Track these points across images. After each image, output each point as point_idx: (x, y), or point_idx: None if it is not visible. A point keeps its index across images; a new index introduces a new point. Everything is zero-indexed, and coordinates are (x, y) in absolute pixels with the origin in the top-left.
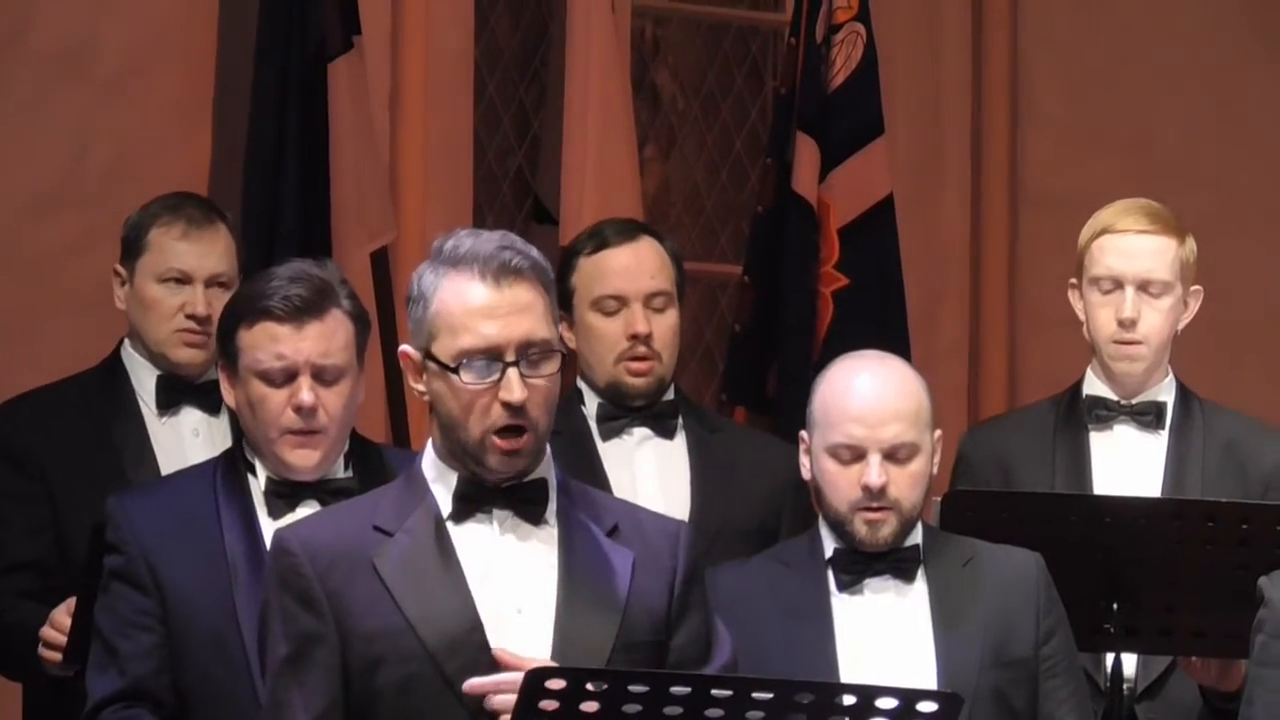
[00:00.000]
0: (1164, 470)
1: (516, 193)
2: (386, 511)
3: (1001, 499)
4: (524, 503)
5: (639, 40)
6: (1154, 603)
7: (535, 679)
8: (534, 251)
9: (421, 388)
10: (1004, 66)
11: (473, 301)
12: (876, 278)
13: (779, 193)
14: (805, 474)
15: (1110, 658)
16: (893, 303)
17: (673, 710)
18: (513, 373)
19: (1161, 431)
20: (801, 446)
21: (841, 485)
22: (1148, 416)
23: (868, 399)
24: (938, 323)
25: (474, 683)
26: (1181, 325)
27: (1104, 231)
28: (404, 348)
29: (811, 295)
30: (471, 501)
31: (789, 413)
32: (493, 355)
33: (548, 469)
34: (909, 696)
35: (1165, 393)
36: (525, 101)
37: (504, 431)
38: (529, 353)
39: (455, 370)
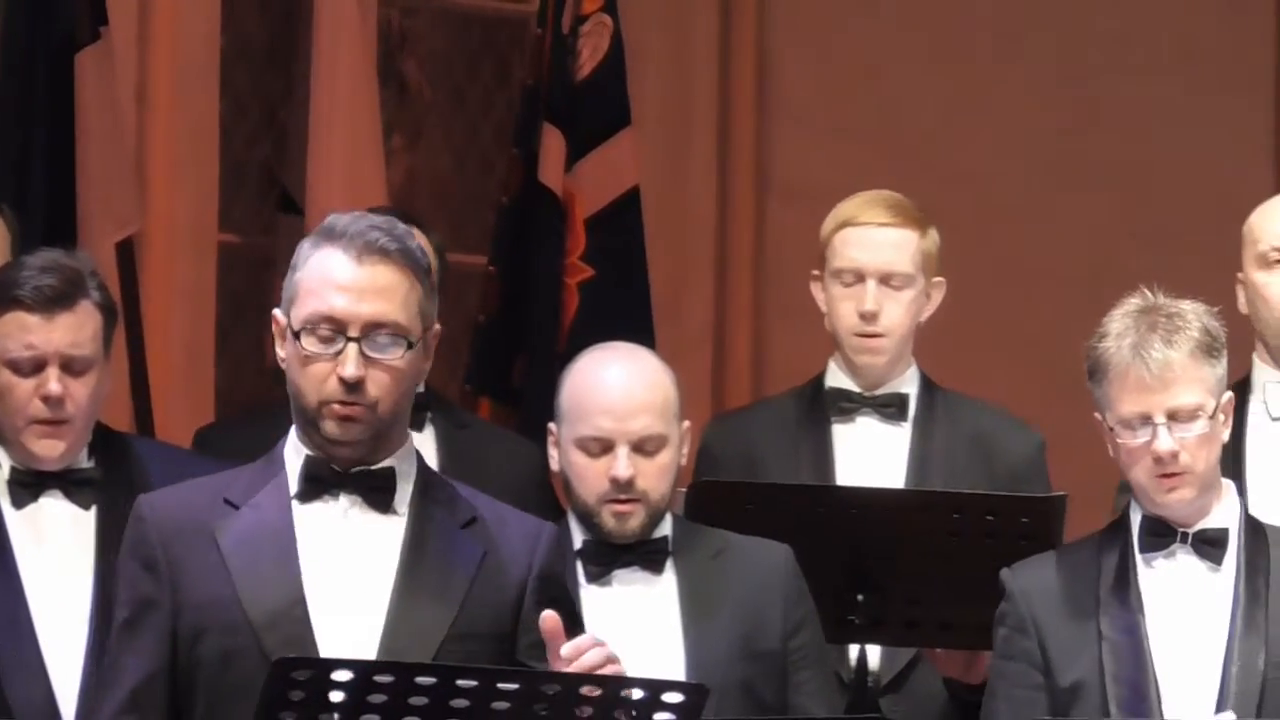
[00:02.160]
0: (907, 463)
1: (263, 183)
2: (240, 486)
3: (748, 490)
4: (371, 489)
5: (386, 30)
6: (901, 595)
7: (281, 667)
8: (412, 241)
9: (282, 354)
10: (751, 57)
11: (331, 273)
12: (622, 269)
13: (525, 183)
14: (554, 466)
15: (854, 650)
16: (638, 294)
17: (417, 700)
18: (351, 348)
19: (905, 423)
20: (549, 439)
21: (590, 477)
22: (891, 408)
23: (616, 392)
24: (683, 314)
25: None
26: (924, 317)
27: (846, 224)
28: (275, 311)
29: (557, 286)
30: (319, 483)
31: (534, 403)
32: (337, 327)
33: (405, 459)
34: (655, 687)
35: (908, 384)
36: (272, 91)
37: (336, 405)
38: (376, 334)
39: (298, 335)
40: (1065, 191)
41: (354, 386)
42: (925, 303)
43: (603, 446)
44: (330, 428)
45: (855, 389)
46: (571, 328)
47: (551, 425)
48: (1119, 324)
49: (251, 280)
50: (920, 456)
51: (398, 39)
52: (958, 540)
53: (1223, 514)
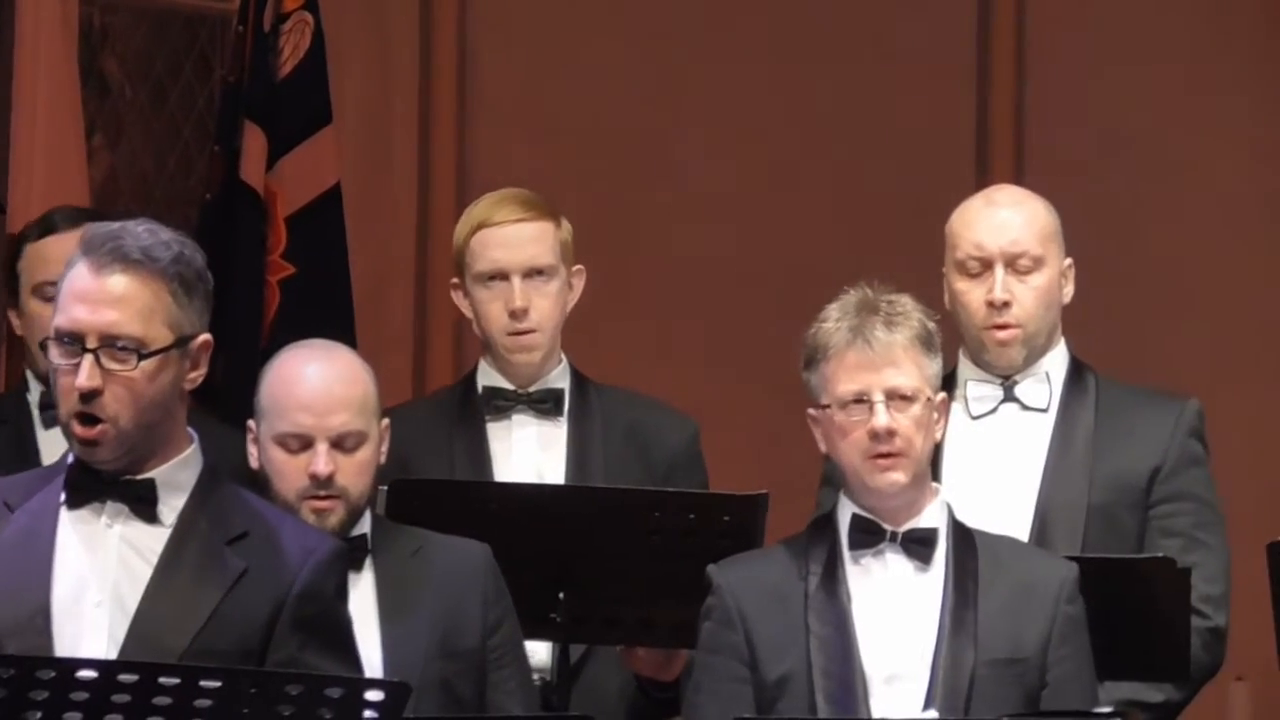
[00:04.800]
0: (565, 458)
1: None
2: (20, 488)
3: (448, 488)
4: (134, 499)
5: (87, 28)
6: (601, 592)
7: None
8: (168, 250)
9: None
10: (452, 55)
11: (72, 283)
12: (323, 266)
13: (226, 180)
14: (253, 463)
15: (548, 647)
16: (339, 291)
17: (120, 698)
18: (86, 359)
19: (561, 419)
20: (249, 436)
21: (289, 473)
22: (546, 404)
23: (315, 388)
24: (384, 311)
25: None
26: (570, 306)
27: (481, 226)
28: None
29: (259, 283)
30: (82, 490)
31: (235, 401)
32: (76, 339)
33: (181, 469)
34: (356, 685)
35: (561, 380)
36: None
37: (79, 418)
38: (115, 344)
39: (46, 346)
40: (771, 189)
41: (90, 398)
42: (569, 292)
43: (301, 443)
44: (75, 446)
45: (509, 387)
46: (273, 325)
47: (251, 422)
48: (839, 310)
49: None
50: (578, 451)
51: (99, 37)
52: (658, 538)
53: (932, 515)
